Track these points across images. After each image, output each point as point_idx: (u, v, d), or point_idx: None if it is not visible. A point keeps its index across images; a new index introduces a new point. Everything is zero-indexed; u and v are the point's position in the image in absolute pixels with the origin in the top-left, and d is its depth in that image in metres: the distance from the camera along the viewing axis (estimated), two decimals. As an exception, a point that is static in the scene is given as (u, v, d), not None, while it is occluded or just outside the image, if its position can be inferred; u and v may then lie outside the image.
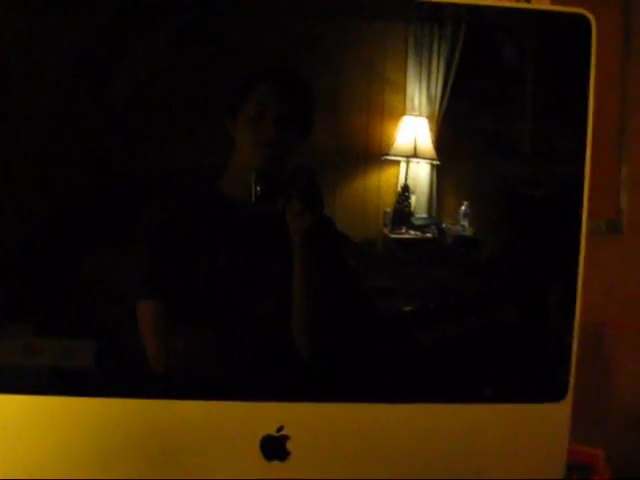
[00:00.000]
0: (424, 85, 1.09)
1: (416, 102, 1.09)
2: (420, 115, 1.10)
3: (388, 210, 1.11)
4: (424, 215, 1.12)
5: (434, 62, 1.09)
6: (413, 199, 1.11)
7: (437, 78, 1.09)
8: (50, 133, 1.05)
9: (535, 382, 1.11)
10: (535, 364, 1.12)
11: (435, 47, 1.08)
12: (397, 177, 1.12)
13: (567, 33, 1.06)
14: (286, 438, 1.05)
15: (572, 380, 1.09)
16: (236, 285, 1.06)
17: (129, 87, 1.07)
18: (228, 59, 1.06)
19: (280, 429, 1.04)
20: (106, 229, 1.05)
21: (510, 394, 1.11)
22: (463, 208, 1.11)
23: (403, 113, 1.09)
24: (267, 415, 1.05)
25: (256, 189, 1.00)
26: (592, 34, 1.04)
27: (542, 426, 1.10)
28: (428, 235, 1.11)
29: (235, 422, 1.05)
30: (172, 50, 1.06)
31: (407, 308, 1.11)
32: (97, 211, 1.06)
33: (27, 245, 1.04)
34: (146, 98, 1.07)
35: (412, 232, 1.12)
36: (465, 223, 1.10)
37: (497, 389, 1.11)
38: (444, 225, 1.12)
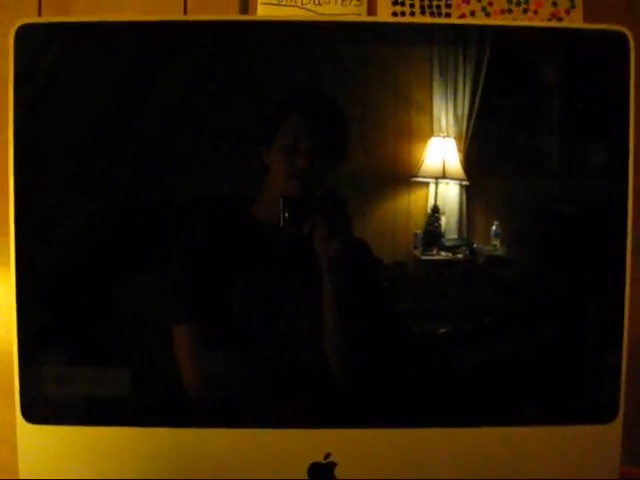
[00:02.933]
0: (451, 105, 1.09)
1: (443, 123, 1.09)
2: (448, 136, 1.09)
3: (418, 232, 1.10)
4: (455, 236, 1.11)
5: (460, 82, 1.08)
6: (443, 220, 1.10)
7: (464, 98, 1.09)
8: (84, 163, 1.07)
9: (583, 403, 1.09)
10: (582, 384, 1.10)
11: (461, 67, 1.08)
12: (426, 198, 1.11)
13: (603, 50, 1.05)
14: (334, 465, 1.04)
15: (622, 400, 1.06)
16: (270, 309, 1.06)
17: (165, 116, 1.09)
18: (261, 88, 1.08)
19: (327, 456, 1.04)
20: (140, 256, 1.07)
21: (557, 416, 1.08)
22: (494, 228, 1.09)
23: (431, 134, 1.09)
24: (314, 442, 1.04)
25: (284, 214, 1.01)
26: (630, 50, 1.03)
27: (592, 449, 1.07)
28: (459, 256, 1.11)
29: (281, 450, 1.05)
30: (206, 79, 1.08)
31: (442, 330, 1.10)
32: (132, 238, 1.08)
33: (60, 273, 1.06)
34: (181, 126, 1.10)
35: (443, 253, 1.11)
36: (497, 243, 1.09)
37: (543, 411, 1.09)
38: (475, 245, 1.11)
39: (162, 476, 1.05)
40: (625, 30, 1.03)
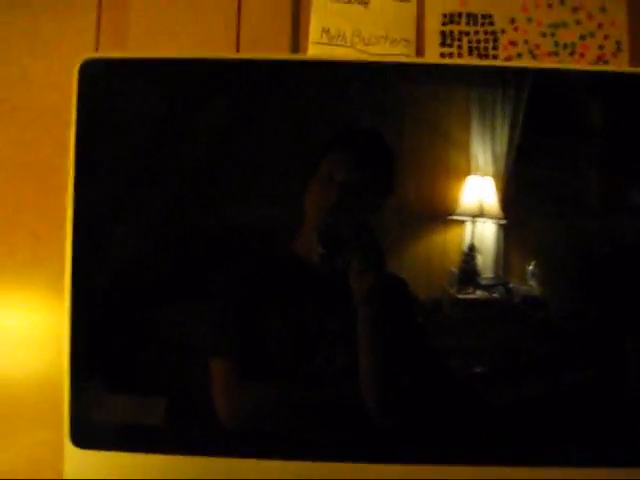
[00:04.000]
0: (489, 144, 1.09)
1: (481, 161, 1.09)
2: (486, 174, 1.10)
3: (454, 270, 1.10)
4: (491, 275, 1.11)
5: (499, 121, 1.09)
6: (479, 259, 1.10)
7: (502, 137, 1.09)
8: (128, 193, 1.11)
9: (625, 446, 1.07)
10: (623, 427, 1.08)
11: (500, 106, 1.08)
12: (463, 236, 1.11)
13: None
14: None
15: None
16: (306, 344, 1.07)
17: (208, 149, 1.12)
18: (304, 126, 1.10)
19: None
20: (179, 287, 1.09)
21: (601, 458, 1.06)
22: (531, 268, 1.09)
23: (468, 173, 1.10)
24: (344, 476, 1.05)
25: (318, 249, 1.02)
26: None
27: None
28: (495, 295, 1.10)
29: None
30: (256, 116, 1.11)
31: (477, 370, 1.10)
32: (171, 269, 1.10)
33: (101, 302, 1.09)
34: (224, 160, 1.13)
35: (479, 292, 1.10)
36: (533, 283, 1.09)
37: (582, 453, 1.07)
38: (511, 285, 1.10)
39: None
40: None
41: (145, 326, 1.09)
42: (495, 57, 1.42)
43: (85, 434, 1.07)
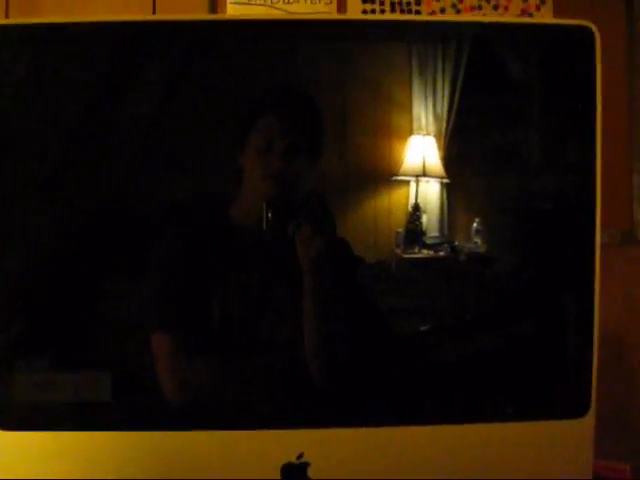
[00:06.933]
0: (430, 104, 1.09)
1: (423, 121, 1.09)
2: (428, 134, 1.10)
3: (400, 230, 1.10)
4: (436, 234, 1.12)
5: (439, 80, 1.09)
6: (424, 218, 1.11)
7: (443, 96, 1.09)
8: (60, 168, 1.06)
9: (557, 398, 1.09)
10: (556, 380, 1.10)
11: (440, 65, 1.08)
12: (407, 197, 1.11)
13: (571, 46, 1.06)
14: (307, 465, 1.04)
15: (594, 394, 1.07)
16: (249, 314, 1.06)
17: (137, 119, 1.08)
18: (232, 89, 1.06)
19: (300, 456, 1.03)
20: (119, 261, 1.06)
21: (531, 412, 1.09)
22: (475, 225, 1.10)
23: (410, 133, 1.09)
24: (286, 443, 1.04)
25: (267, 216, 1.00)
26: (596, 45, 1.03)
27: (566, 443, 1.08)
28: (441, 254, 1.11)
29: (254, 451, 1.04)
30: (178, 82, 1.07)
31: (423, 327, 1.10)
32: (110, 244, 1.06)
33: (40, 279, 1.05)
34: (155, 129, 1.08)
35: (425, 251, 1.11)
36: (478, 240, 1.10)
37: (517, 407, 1.09)
38: (456, 243, 1.11)
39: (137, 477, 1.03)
40: (590, 24, 1.03)
41: (80, 304, 1.06)
42: (418, 12, 1.41)
43: (12, 415, 1.03)
